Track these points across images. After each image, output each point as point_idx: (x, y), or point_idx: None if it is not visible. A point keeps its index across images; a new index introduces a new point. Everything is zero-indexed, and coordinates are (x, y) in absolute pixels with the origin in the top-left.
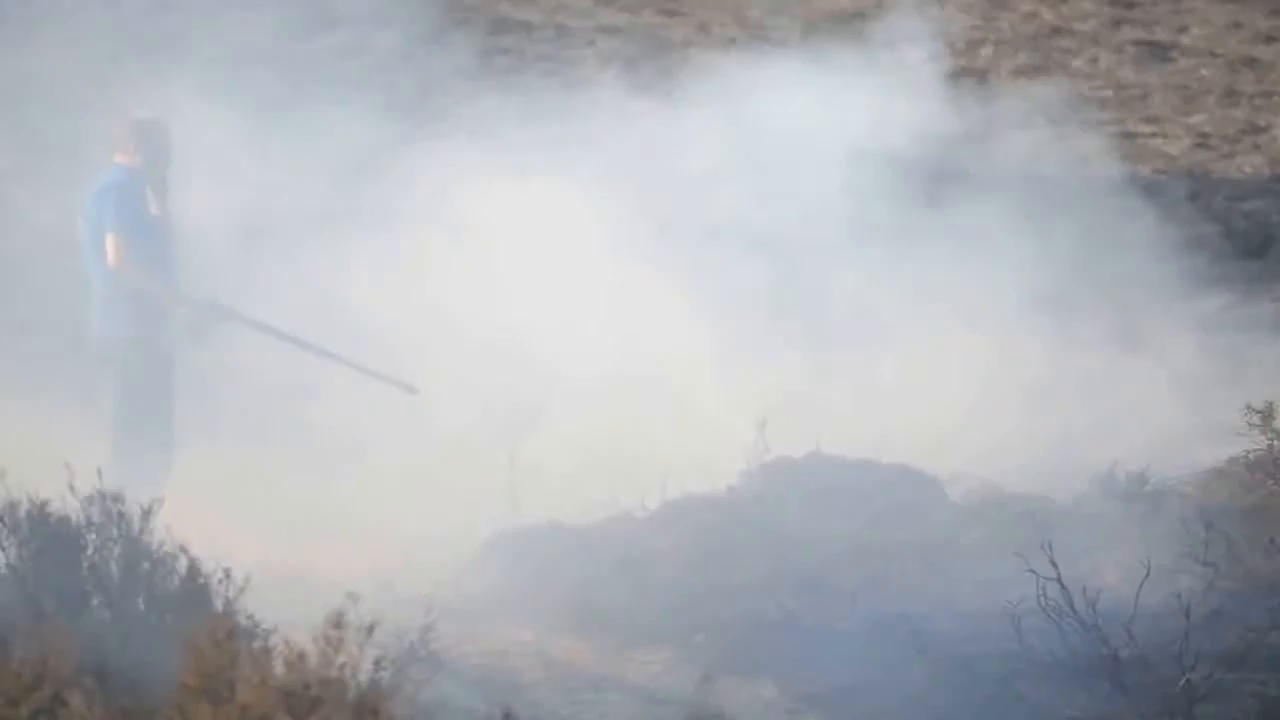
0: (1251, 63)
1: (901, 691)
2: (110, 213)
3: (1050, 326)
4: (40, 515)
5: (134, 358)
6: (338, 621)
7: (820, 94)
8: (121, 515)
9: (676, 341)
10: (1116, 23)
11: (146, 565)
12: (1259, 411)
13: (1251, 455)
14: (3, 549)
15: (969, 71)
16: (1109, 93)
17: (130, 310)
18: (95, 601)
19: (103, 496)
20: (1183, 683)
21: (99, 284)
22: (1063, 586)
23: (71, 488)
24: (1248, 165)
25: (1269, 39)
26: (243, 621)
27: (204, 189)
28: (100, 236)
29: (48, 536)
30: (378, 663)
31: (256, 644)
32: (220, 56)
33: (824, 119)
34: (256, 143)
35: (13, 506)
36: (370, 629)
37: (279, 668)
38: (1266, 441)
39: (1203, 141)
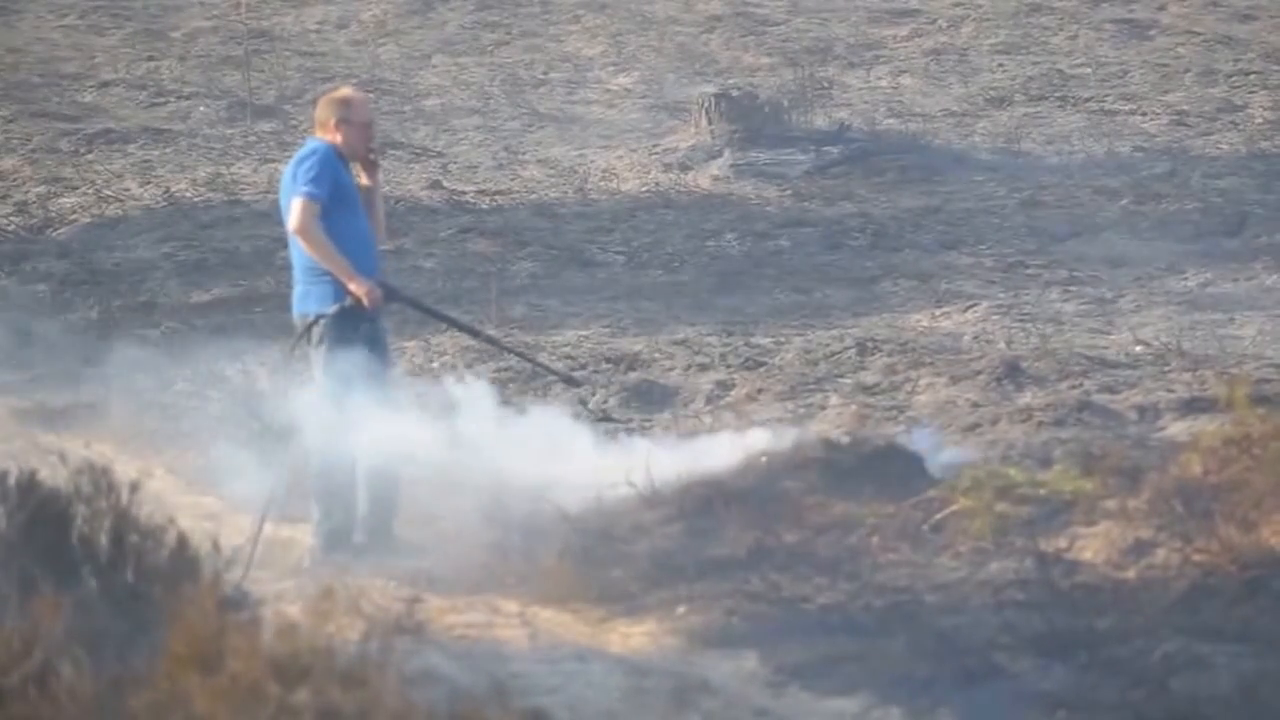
0: (1229, 41)
1: (882, 663)
2: (299, 178)
3: None
4: (30, 485)
5: (336, 336)
6: (326, 593)
7: None
8: (111, 487)
9: None
10: (1096, 1)
11: (135, 537)
12: (1230, 385)
13: (1227, 429)
14: None
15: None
16: (1088, 70)
17: (321, 288)
18: (84, 572)
19: (92, 468)
20: (1159, 655)
21: (293, 258)
22: (1042, 559)
23: (61, 458)
24: (1225, 143)
25: (1246, 18)
26: (231, 592)
27: None
28: (289, 204)
29: (37, 507)
30: (366, 634)
31: (245, 614)
32: None
33: None
34: None
35: (2, 476)
36: (358, 600)
37: (268, 638)
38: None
39: (1180, 119)
